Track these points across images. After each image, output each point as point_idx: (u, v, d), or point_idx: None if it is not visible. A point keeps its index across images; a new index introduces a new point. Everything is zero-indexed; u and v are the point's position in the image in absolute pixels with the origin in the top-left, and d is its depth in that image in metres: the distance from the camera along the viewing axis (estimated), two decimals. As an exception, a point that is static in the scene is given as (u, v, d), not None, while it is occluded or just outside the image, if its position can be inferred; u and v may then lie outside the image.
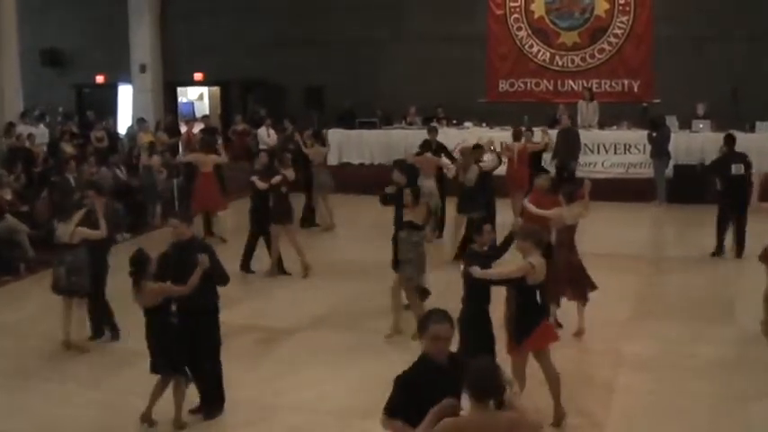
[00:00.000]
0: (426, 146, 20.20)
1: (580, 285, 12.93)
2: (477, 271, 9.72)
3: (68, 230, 12.66)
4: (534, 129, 22.25)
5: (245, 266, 17.05)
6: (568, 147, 23.08)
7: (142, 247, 10.51)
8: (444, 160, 19.66)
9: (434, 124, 23.18)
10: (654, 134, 23.13)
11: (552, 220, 13.06)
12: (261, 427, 10.15)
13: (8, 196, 17.83)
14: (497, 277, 9.89)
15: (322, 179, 20.96)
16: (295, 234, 17.00)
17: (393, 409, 6.28)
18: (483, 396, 5.80)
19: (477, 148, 17.61)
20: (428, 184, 18.79)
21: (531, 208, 13.49)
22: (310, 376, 11.59)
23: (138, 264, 9.88)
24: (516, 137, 20.92)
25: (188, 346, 9.99)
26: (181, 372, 9.99)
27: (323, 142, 22.00)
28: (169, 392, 10.01)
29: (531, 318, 9.83)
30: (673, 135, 23.29)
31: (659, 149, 22.98)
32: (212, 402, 10.35)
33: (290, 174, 17.16)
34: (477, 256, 10.19)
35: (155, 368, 9.99)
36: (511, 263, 10.39)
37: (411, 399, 6.15)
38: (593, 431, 9.99)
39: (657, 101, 26.26)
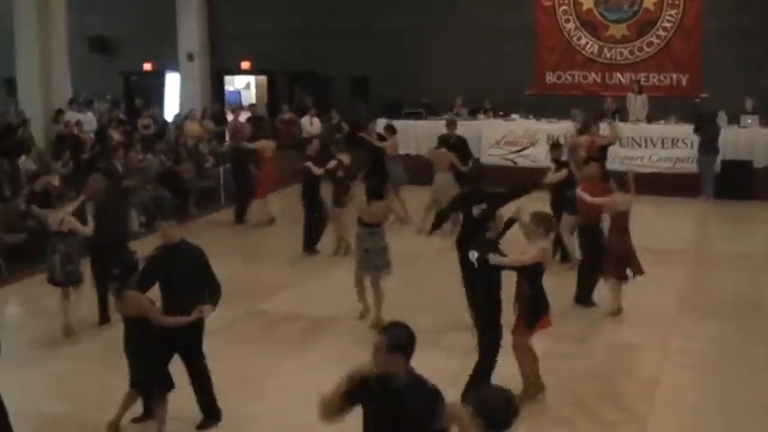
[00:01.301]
0: (444, 140, 20.05)
1: (629, 266, 13.41)
2: (494, 258, 9.90)
3: (58, 218, 12.70)
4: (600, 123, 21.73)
5: (309, 248, 17.60)
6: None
7: (136, 250, 10.27)
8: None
9: (453, 117, 22.98)
10: (700, 129, 22.91)
11: (606, 207, 13.48)
12: (298, 415, 10.11)
13: (56, 182, 17.96)
14: (515, 264, 10.08)
15: (398, 172, 20.57)
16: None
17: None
18: (499, 427, 5.29)
19: (556, 147, 17.41)
20: (440, 178, 18.77)
21: (586, 197, 13.65)
22: (348, 367, 11.58)
23: (126, 269, 9.40)
24: (584, 130, 20.48)
25: (170, 356, 9.58)
26: (162, 386, 9.49)
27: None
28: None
29: (542, 303, 10.24)
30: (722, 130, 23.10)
31: (708, 145, 22.76)
32: (209, 412, 9.95)
33: (345, 158, 17.45)
34: (491, 243, 10.32)
35: (135, 383, 9.49)
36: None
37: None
38: (635, 426, 9.95)
39: (705, 95, 26.05)
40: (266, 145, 20.95)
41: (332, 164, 17.44)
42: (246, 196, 20.76)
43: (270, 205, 20.91)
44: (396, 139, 21.14)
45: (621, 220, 13.34)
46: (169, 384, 9.50)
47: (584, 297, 13.84)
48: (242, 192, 20.93)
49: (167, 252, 9.61)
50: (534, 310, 10.16)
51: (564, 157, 16.82)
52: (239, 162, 21.03)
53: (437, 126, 25.01)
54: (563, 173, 15.95)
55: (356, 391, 6.02)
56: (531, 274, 10.11)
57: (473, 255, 10.22)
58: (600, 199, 13.53)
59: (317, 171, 17.35)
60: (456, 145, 20.02)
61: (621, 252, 13.31)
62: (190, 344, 9.68)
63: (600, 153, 19.19)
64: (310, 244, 17.61)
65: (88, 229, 12.85)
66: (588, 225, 13.95)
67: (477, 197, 13.01)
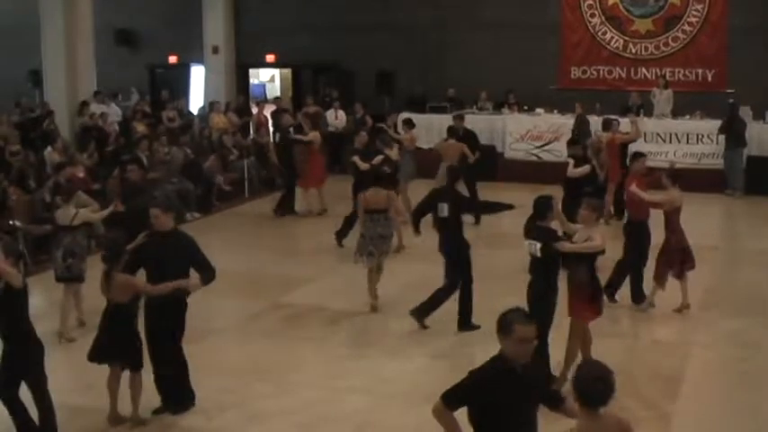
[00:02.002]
0: (454, 131, 19.97)
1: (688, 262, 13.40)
2: (565, 245, 10.11)
3: (70, 214, 12.62)
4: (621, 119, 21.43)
5: (340, 240, 17.41)
6: (582, 134, 22.39)
7: (121, 233, 10.19)
8: None
9: (461, 112, 23.06)
10: (726, 126, 22.82)
11: (664, 205, 13.23)
12: (320, 408, 10.16)
13: (81, 174, 18.01)
14: (588, 250, 10.23)
15: (411, 166, 20.35)
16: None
17: (454, 401, 6.09)
18: (596, 402, 5.71)
19: (574, 144, 17.32)
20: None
21: (642, 194, 13.27)
22: (369, 361, 11.62)
23: (113, 250, 9.39)
24: (605, 127, 20.23)
25: (149, 336, 9.62)
26: (134, 363, 9.52)
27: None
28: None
29: (600, 287, 10.60)
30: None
31: (735, 140, 22.64)
32: (180, 397, 9.96)
33: (392, 153, 17.45)
34: (551, 232, 10.36)
35: (98, 357, 9.57)
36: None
37: (479, 398, 6.02)
38: (660, 422, 9.90)
39: (731, 90, 25.89)
40: (317, 137, 21.00)
41: (378, 159, 17.42)
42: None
43: (315, 197, 20.87)
44: (413, 133, 21.09)
45: (676, 216, 13.12)
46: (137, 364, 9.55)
47: (612, 293, 13.65)
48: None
49: (158, 239, 9.58)
50: (599, 295, 10.54)
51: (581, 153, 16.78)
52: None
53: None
54: (586, 167, 15.85)
55: None
56: (591, 261, 10.28)
57: (535, 246, 10.24)
58: (658, 197, 13.33)
59: (363, 166, 17.33)
60: (465, 138, 19.98)
61: (679, 249, 13.17)
62: (168, 325, 9.64)
63: (621, 150, 19.13)
64: (340, 235, 17.47)
65: (103, 213, 12.89)
66: (635, 222, 13.64)
67: (447, 196, 12.84)
